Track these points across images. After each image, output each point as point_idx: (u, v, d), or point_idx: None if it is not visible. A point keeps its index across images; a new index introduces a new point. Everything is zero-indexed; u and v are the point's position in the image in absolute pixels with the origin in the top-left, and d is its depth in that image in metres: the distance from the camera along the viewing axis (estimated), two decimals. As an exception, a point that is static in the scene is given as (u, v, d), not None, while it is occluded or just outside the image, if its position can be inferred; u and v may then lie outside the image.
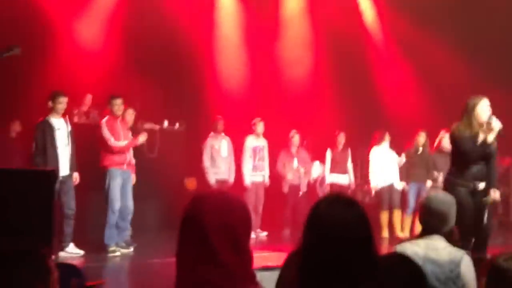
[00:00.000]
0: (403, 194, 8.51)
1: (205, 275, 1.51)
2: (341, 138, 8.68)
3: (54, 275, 1.72)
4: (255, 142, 8.35)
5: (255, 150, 8.33)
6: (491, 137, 4.55)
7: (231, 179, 8.18)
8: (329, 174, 8.71)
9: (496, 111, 9.07)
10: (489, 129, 4.54)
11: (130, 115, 7.50)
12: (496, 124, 4.54)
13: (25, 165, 7.54)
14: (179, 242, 1.57)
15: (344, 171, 8.71)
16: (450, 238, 2.80)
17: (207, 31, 9.67)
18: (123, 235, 6.85)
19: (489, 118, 4.59)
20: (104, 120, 6.80)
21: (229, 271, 1.52)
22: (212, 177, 8.01)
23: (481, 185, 4.65)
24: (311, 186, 8.87)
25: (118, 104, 6.77)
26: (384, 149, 8.46)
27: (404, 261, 2.30)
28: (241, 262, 1.55)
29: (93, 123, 8.79)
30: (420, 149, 8.44)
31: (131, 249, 6.81)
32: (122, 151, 6.72)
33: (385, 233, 8.32)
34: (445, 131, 8.44)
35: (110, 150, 6.66)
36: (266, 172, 8.42)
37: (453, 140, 4.73)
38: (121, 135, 6.80)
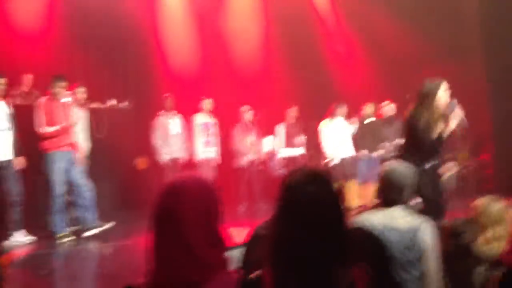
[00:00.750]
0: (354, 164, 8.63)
1: (181, 268, 1.48)
2: (293, 112, 8.70)
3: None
4: (204, 119, 8.28)
5: (206, 126, 8.24)
6: (450, 128, 4.43)
7: (185, 156, 8.07)
8: (282, 148, 8.72)
9: (449, 82, 9.35)
10: (447, 123, 4.40)
11: (82, 93, 7.17)
12: (458, 113, 4.42)
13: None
14: (154, 235, 1.53)
15: (296, 145, 8.75)
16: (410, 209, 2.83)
17: (151, 6, 9.39)
18: (90, 213, 6.56)
19: (451, 104, 4.44)
20: (41, 101, 6.43)
21: (205, 263, 1.50)
22: (165, 156, 7.86)
23: (428, 164, 4.58)
24: (263, 161, 8.88)
25: (60, 87, 6.44)
26: (338, 122, 8.54)
27: (365, 234, 2.32)
28: (215, 252, 1.53)
29: (34, 104, 8.43)
30: (368, 120, 8.59)
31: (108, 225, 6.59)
32: (55, 135, 6.39)
33: None
34: (390, 101, 8.65)
35: (42, 135, 6.36)
36: (218, 149, 8.37)
37: (410, 126, 4.54)
38: (60, 118, 6.44)
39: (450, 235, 3.03)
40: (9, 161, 6.12)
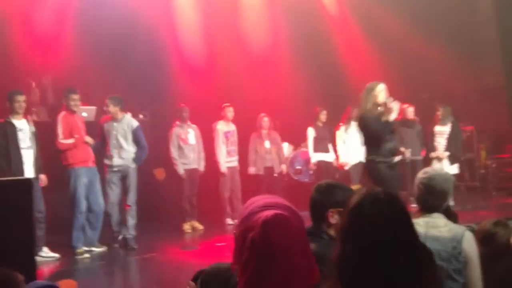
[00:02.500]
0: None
1: None
2: (323, 116, 8.61)
3: None
4: (226, 127, 8.26)
5: (226, 135, 8.23)
6: (393, 116, 5.13)
7: (201, 167, 8.06)
8: (314, 153, 8.64)
9: (456, 81, 9.23)
10: (388, 109, 5.08)
11: (91, 111, 7.25)
12: (395, 106, 5.12)
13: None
14: (256, 272, 1.44)
15: (326, 149, 8.69)
16: (448, 214, 2.80)
17: (167, 15, 9.40)
18: (96, 234, 6.65)
19: (387, 99, 5.15)
20: (60, 115, 6.50)
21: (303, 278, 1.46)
22: (181, 168, 7.87)
23: (396, 159, 5.35)
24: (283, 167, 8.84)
25: (75, 100, 6.50)
26: (353, 127, 8.49)
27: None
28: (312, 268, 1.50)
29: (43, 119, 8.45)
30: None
31: (102, 248, 6.64)
32: (71, 147, 6.43)
33: None
34: (409, 105, 8.60)
35: (60, 149, 6.40)
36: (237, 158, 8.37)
37: (363, 122, 5.25)
38: (77, 132, 6.52)
39: (483, 238, 2.99)
40: (34, 179, 6.12)
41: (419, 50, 9.57)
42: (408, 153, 8.47)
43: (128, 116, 7.05)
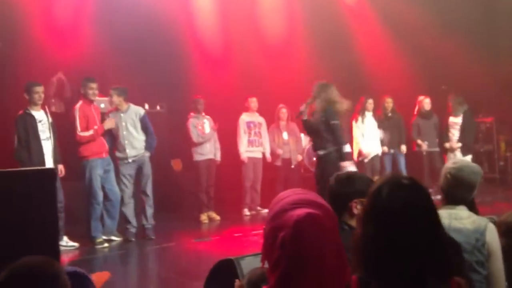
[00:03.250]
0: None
1: None
2: None
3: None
4: (249, 118, 8.30)
5: (249, 125, 8.25)
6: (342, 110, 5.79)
7: (217, 157, 8.08)
8: None
9: (476, 72, 9.14)
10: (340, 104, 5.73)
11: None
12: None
13: (3, 163, 7.30)
14: (288, 275, 1.40)
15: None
16: (471, 207, 2.77)
17: (184, 6, 9.40)
18: (114, 223, 6.71)
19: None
20: (77, 105, 6.51)
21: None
22: (199, 157, 7.89)
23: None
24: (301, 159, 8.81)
25: (93, 88, 6.51)
26: (368, 117, 8.45)
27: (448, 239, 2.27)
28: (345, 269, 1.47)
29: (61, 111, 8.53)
30: (389, 114, 8.48)
31: (120, 238, 6.70)
32: (91, 140, 6.47)
33: None
34: (425, 96, 8.54)
35: (79, 141, 6.44)
36: (267, 149, 8.37)
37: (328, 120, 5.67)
38: (94, 123, 6.56)
39: (505, 230, 2.96)
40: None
41: (438, 41, 9.46)
42: (424, 145, 8.41)
43: (133, 105, 7.00)
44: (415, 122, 8.54)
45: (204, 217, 7.87)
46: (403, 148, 8.39)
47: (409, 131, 8.66)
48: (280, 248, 1.41)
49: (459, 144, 8.15)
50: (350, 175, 2.64)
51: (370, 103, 8.39)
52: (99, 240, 6.43)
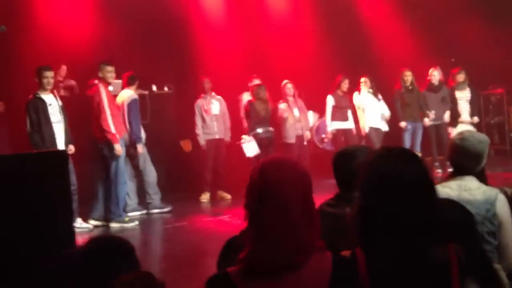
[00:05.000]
0: (400, 134, 8.50)
1: (284, 249, 1.45)
2: (346, 82, 8.51)
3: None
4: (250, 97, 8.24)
5: None
6: None
7: (227, 138, 8.09)
8: (332, 121, 8.59)
9: (485, 43, 9.01)
10: None
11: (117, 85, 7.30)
12: None
13: (14, 147, 7.38)
14: (258, 213, 1.48)
15: (346, 118, 8.63)
16: (481, 178, 2.77)
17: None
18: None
19: None
20: (102, 88, 6.52)
21: (306, 243, 1.48)
22: (202, 139, 7.92)
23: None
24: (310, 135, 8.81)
25: (110, 71, 6.58)
26: (364, 94, 8.43)
27: (453, 205, 2.28)
28: (313, 232, 1.51)
29: (72, 94, 8.57)
30: (410, 87, 8.43)
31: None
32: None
33: None
34: (434, 68, 8.46)
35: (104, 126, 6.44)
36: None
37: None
38: (115, 106, 6.65)
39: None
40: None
41: (446, 12, 9.33)
42: (432, 115, 8.35)
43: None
44: (422, 95, 8.49)
45: (204, 196, 7.89)
46: (426, 120, 8.35)
47: None
48: (249, 187, 1.53)
49: (476, 119, 8.26)
50: (349, 149, 2.64)
51: (345, 83, 8.38)
52: (126, 219, 6.57)
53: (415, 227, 1.57)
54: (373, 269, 1.57)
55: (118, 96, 7.12)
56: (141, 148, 7.01)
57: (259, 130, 7.76)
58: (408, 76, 8.39)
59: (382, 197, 1.59)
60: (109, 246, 1.79)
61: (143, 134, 7.19)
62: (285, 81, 8.40)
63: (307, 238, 1.48)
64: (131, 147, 7.00)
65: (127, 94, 7.09)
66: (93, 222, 6.55)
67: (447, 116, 8.38)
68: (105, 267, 1.69)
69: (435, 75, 8.46)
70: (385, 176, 1.60)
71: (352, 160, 2.48)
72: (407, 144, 8.28)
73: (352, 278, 1.53)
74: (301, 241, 1.47)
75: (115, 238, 1.88)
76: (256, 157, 7.57)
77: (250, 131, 7.73)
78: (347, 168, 2.48)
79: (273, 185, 1.48)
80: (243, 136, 7.75)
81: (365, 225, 1.62)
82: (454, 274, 1.57)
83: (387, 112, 8.43)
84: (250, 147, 7.65)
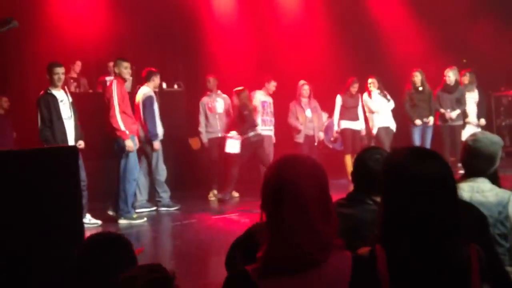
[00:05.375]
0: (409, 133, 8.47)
1: (303, 246, 1.44)
2: (356, 86, 8.51)
3: None
4: (264, 97, 8.27)
5: (263, 105, 8.24)
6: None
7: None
8: (341, 120, 8.60)
9: (497, 45, 8.94)
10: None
11: (128, 82, 7.32)
12: None
13: (18, 142, 7.44)
14: (274, 209, 1.47)
15: (356, 118, 8.62)
16: (494, 180, 2.74)
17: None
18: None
19: None
20: (114, 84, 6.51)
21: (325, 241, 1.47)
22: (205, 137, 7.94)
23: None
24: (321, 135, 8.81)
25: (126, 67, 6.57)
26: (375, 97, 8.41)
27: (468, 207, 2.26)
28: (332, 230, 1.50)
29: (84, 91, 8.62)
30: (420, 88, 8.38)
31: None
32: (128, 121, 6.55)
33: None
34: (450, 68, 8.41)
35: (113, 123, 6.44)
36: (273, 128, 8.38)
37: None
38: (128, 103, 6.63)
39: None
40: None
41: (458, 13, 9.27)
42: (448, 114, 8.30)
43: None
44: (437, 95, 8.44)
45: (210, 195, 7.90)
46: (431, 119, 8.30)
47: None
48: (267, 188, 1.51)
49: (483, 121, 8.21)
50: (374, 148, 2.63)
51: (354, 86, 8.42)
52: (135, 215, 6.61)
53: (441, 227, 1.57)
54: (394, 267, 1.57)
55: (137, 93, 7.14)
56: (157, 145, 7.02)
57: (251, 134, 7.72)
58: (417, 76, 8.34)
59: (411, 197, 1.59)
60: (106, 242, 1.85)
61: (160, 131, 7.17)
62: (302, 82, 8.41)
63: (326, 235, 1.48)
64: (147, 144, 7.02)
65: (143, 91, 7.11)
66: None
67: (456, 114, 8.35)
68: (103, 264, 1.74)
69: (450, 75, 8.40)
70: (414, 177, 1.60)
71: (372, 162, 2.47)
72: (416, 143, 8.26)
73: (372, 277, 1.52)
74: (320, 238, 1.46)
75: (112, 235, 1.92)
76: (239, 157, 7.63)
77: (243, 133, 7.67)
78: (367, 169, 2.47)
79: (291, 182, 1.47)
80: (232, 132, 7.73)
81: (391, 224, 1.62)
82: (474, 274, 1.57)
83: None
84: (233, 145, 7.65)
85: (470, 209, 2.25)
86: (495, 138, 2.77)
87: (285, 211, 1.46)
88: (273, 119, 8.37)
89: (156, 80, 7.24)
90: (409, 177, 1.60)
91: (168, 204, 7.23)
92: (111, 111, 6.41)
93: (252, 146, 7.71)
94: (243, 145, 7.61)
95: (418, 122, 8.31)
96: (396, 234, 1.59)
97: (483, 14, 9.13)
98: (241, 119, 7.72)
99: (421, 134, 8.42)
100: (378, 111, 8.41)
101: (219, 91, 8.07)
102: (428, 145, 8.39)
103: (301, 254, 1.44)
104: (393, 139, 8.43)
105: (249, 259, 1.83)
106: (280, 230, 1.46)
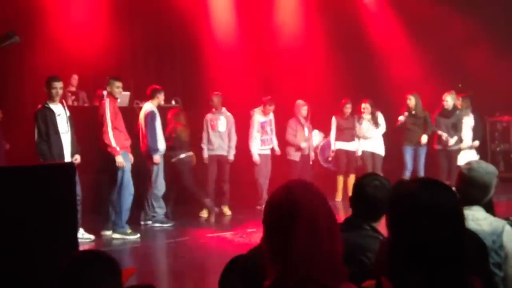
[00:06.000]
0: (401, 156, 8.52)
1: (316, 270, 1.43)
2: (348, 106, 8.63)
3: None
4: (263, 118, 8.29)
5: (262, 125, 8.27)
6: None
7: (230, 156, 8.06)
8: (335, 141, 8.71)
9: (494, 70, 9.03)
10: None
11: (125, 97, 7.37)
12: None
13: (10, 154, 7.42)
14: (283, 237, 1.45)
15: (351, 139, 8.68)
16: (489, 208, 2.76)
17: (200, 6, 9.42)
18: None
19: None
20: (107, 102, 6.58)
21: (335, 268, 1.46)
22: (206, 153, 7.95)
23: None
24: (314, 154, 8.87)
25: (118, 86, 6.63)
26: (364, 124, 8.54)
27: (471, 235, 2.27)
28: (339, 255, 1.50)
29: (82, 104, 8.64)
30: (413, 112, 8.45)
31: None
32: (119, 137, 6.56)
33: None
34: (448, 93, 8.48)
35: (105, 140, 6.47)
36: (275, 143, 8.39)
37: None
38: (121, 119, 6.67)
39: None
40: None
41: (456, 38, 9.39)
42: (444, 136, 8.32)
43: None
44: (435, 119, 8.50)
45: (204, 212, 7.84)
46: (423, 138, 8.32)
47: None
48: (274, 209, 1.48)
49: (476, 143, 8.22)
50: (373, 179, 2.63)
51: (347, 107, 8.58)
52: (129, 231, 6.56)
53: (449, 258, 1.56)
54: None
55: (141, 109, 7.25)
56: (157, 159, 7.04)
57: (182, 156, 7.63)
58: (411, 100, 8.41)
59: (425, 228, 1.56)
60: (90, 254, 1.93)
61: (161, 145, 7.18)
62: (301, 102, 8.45)
63: (335, 261, 1.47)
64: (148, 158, 7.03)
65: (145, 108, 7.20)
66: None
67: (454, 141, 8.38)
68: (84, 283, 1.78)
69: (448, 100, 8.43)
70: (429, 206, 1.58)
71: (371, 188, 2.48)
72: (408, 166, 8.31)
73: None
74: (331, 264, 1.45)
75: (97, 251, 1.99)
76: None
77: (173, 157, 7.57)
78: (366, 195, 2.48)
79: (303, 206, 1.46)
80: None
81: (399, 255, 1.59)
82: None
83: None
84: None
85: (472, 237, 2.27)
86: (490, 167, 2.79)
87: (297, 238, 1.44)
88: (274, 138, 8.38)
89: (160, 97, 7.33)
90: (424, 207, 1.57)
91: (162, 220, 7.21)
92: (103, 127, 6.46)
93: (185, 167, 7.61)
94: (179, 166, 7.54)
95: (401, 118, 8.37)
96: (406, 266, 1.56)
97: (480, 40, 9.25)
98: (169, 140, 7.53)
99: (413, 155, 8.47)
100: (365, 137, 8.56)
101: (223, 109, 8.10)
102: (421, 165, 8.42)
103: (314, 277, 1.42)
104: (387, 161, 8.47)
105: (248, 283, 1.83)
106: (291, 255, 1.44)
